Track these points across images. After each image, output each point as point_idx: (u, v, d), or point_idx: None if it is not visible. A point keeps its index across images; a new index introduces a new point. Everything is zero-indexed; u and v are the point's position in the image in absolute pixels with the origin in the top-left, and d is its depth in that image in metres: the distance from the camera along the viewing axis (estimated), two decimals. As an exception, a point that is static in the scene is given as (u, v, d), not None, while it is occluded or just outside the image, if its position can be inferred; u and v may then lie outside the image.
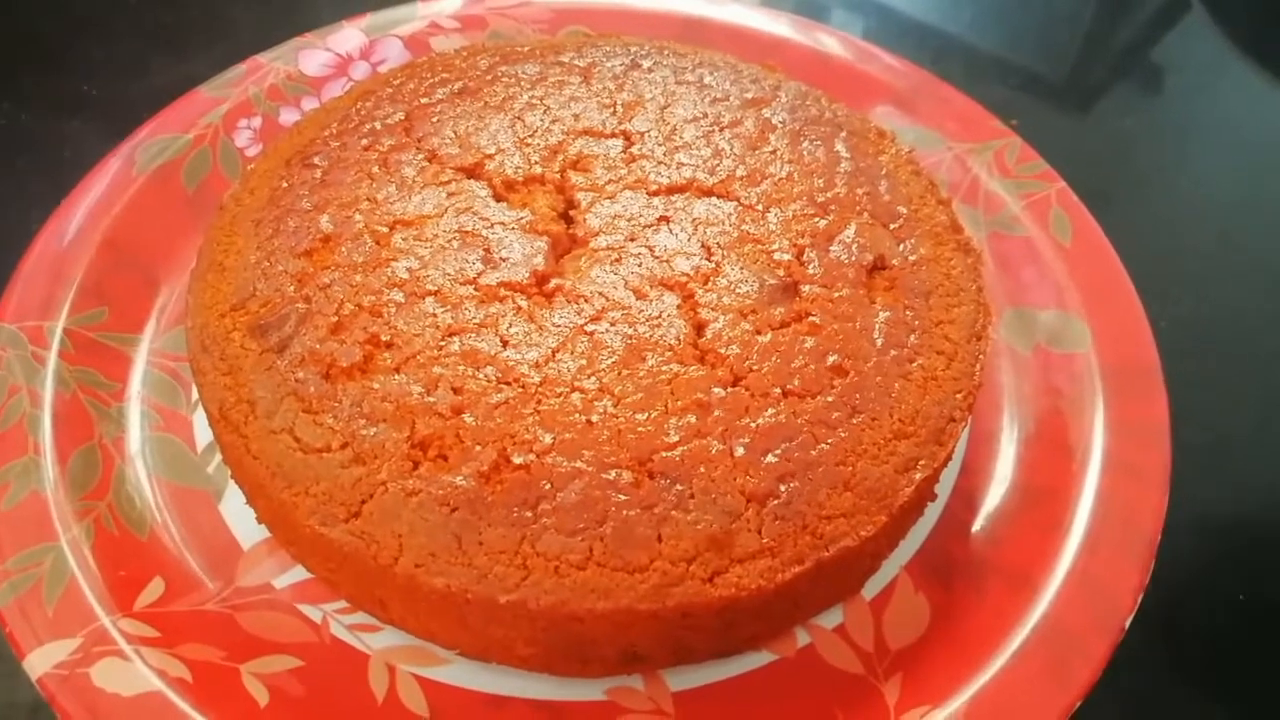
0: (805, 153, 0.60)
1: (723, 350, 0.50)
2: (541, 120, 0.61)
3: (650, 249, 0.54)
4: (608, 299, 0.52)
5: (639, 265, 0.53)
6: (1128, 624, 0.50)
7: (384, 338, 0.50)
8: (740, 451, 0.47)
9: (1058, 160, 0.71)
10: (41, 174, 0.75)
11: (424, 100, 0.62)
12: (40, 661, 0.46)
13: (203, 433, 0.57)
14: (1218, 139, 0.90)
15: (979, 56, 0.96)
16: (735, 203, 0.57)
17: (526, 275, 0.53)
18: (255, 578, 0.52)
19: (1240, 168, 0.87)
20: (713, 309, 0.52)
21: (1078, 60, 0.99)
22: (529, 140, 0.60)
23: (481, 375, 0.49)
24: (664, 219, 0.56)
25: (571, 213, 0.57)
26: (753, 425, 0.48)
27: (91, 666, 0.46)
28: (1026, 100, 0.91)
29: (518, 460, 0.46)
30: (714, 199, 0.57)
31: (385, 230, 0.54)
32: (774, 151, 0.60)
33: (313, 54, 0.74)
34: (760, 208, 0.57)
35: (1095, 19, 1.03)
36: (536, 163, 0.58)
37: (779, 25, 0.78)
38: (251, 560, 0.52)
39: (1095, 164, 0.83)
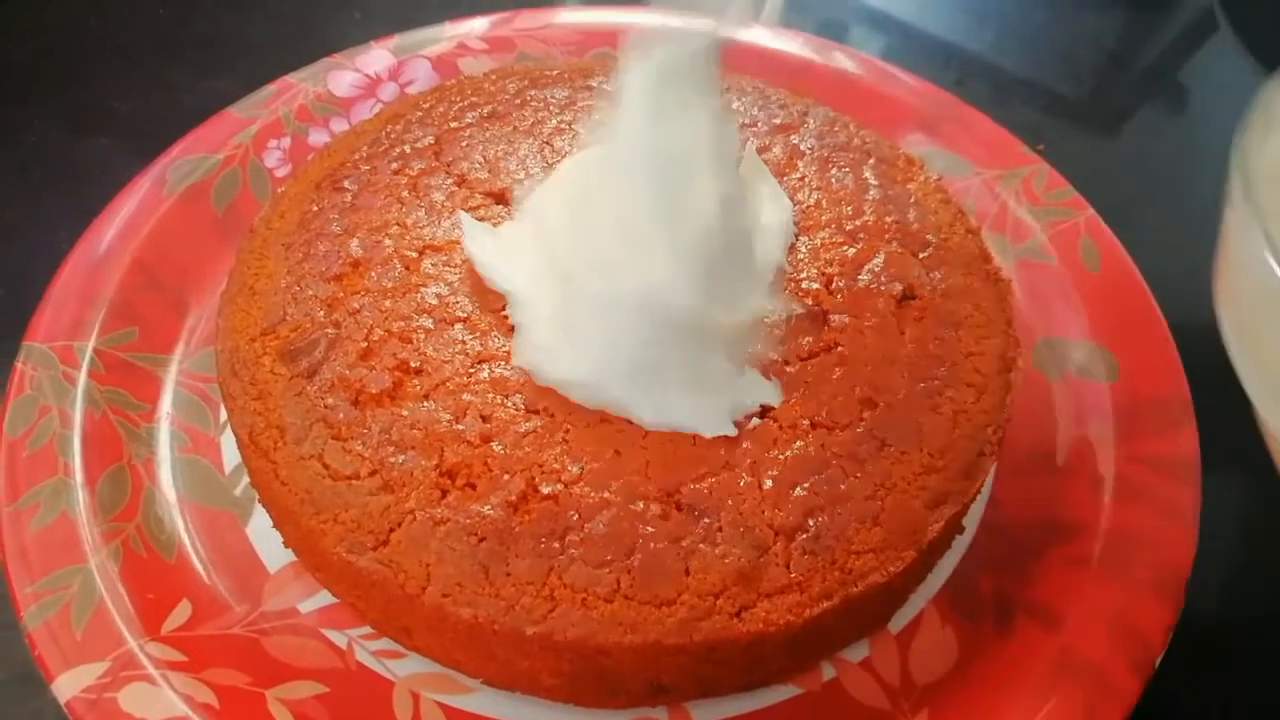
0: (833, 180, 0.60)
1: (751, 380, 0.50)
2: (570, 145, 0.61)
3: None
4: (636, 327, 0.51)
5: (667, 293, 0.53)
6: (1158, 663, 0.49)
7: (413, 364, 0.50)
8: (768, 484, 0.47)
9: (1082, 182, 0.70)
10: (70, 192, 0.76)
11: (453, 124, 0.62)
12: (69, 685, 0.46)
13: (230, 454, 0.57)
14: (1244, 161, 0.89)
15: (1003, 78, 0.95)
16: (763, 230, 0.57)
17: (555, 302, 0.52)
18: (281, 601, 0.52)
19: (1268, 192, 0.86)
20: (741, 338, 0.52)
21: (1103, 81, 0.98)
22: (558, 165, 0.60)
23: (510, 403, 0.49)
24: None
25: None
26: (781, 457, 0.48)
27: (119, 691, 0.46)
28: (1051, 122, 0.90)
29: (546, 490, 0.46)
30: (742, 226, 0.57)
31: (415, 255, 0.54)
32: (802, 178, 0.60)
33: (341, 75, 0.74)
34: (789, 236, 0.57)
35: (1120, 40, 1.03)
36: (565, 188, 0.58)
37: (803, 48, 0.78)
38: (278, 584, 0.52)
39: (1120, 185, 0.82)
